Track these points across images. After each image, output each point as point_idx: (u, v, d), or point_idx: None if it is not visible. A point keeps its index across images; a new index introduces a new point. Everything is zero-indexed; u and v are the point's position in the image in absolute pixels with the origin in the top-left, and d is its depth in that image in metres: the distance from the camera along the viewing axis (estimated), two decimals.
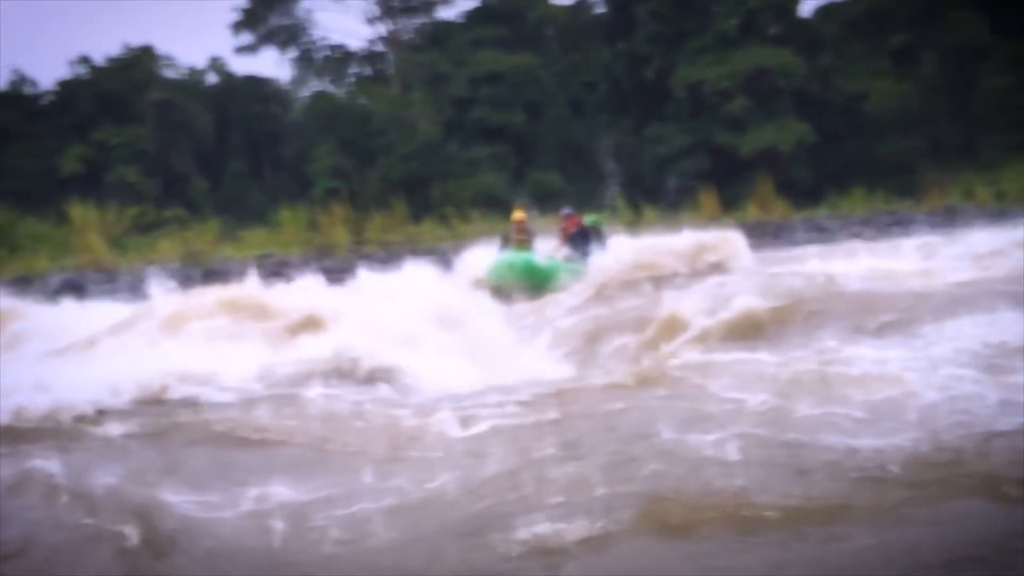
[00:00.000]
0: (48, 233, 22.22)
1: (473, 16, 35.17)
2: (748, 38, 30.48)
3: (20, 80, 33.09)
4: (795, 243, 18.08)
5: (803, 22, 32.14)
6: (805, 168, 29.03)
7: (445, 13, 36.28)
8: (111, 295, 13.39)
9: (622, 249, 11.64)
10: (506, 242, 12.64)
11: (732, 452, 3.58)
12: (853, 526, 2.89)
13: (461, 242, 21.46)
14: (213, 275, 16.87)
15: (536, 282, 10.50)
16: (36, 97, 33.34)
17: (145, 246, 21.39)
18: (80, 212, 20.55)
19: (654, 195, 27.44)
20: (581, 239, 12.35)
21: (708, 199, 23.77)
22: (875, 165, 27.83)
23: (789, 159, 28.82)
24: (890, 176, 26.17)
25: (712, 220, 21.34)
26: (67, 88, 33.17)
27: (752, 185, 25.18)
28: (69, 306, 9.12)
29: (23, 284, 14.98)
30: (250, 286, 7.12)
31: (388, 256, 19.25)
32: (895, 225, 19.74)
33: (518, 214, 12.83)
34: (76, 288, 15.11)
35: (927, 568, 2.61)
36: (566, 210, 13.37)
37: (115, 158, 30.19)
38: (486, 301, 7.62)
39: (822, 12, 33.19)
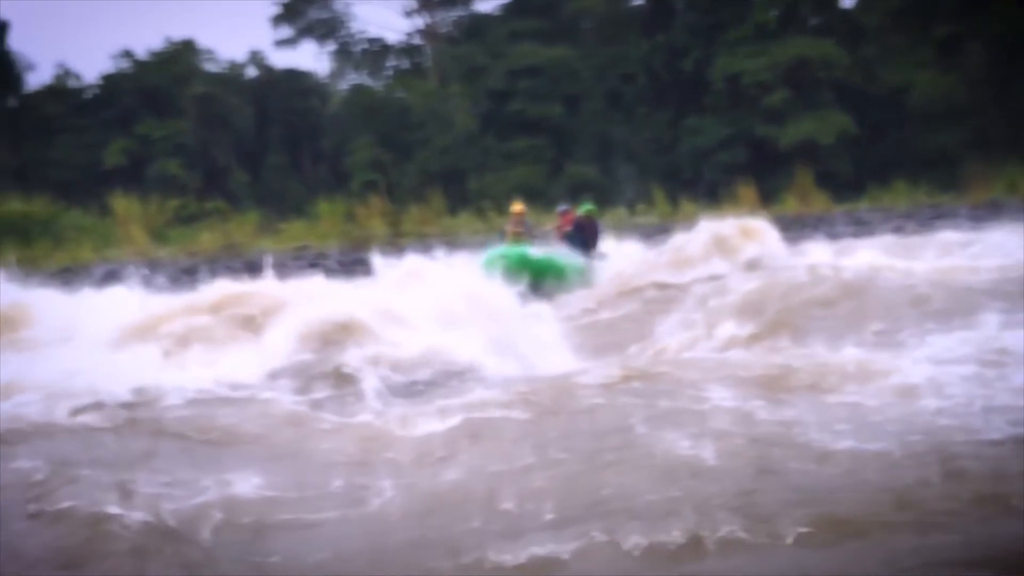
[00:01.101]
0: (92, 225, 22.57)
1: (510, 8, 35.15)
2: (788, 29, 30.16)
3: (65, 74, 33.67)
4: (835, 236, 17.86)
5: (845, 12, 31.75)
6: (846, 161, 28.70)
7: (482, 6, 36.55)
8: (153, 286, 13.56)
9: (627, 257, 11.60)
10: (503, 235, 12.65)
11: (710, 454, 3.54)
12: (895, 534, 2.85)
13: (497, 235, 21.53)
14: (253, 267, 17.07)
15: (531, 275, 10.21)
16: (80, 91, 33.89)
17: (186, 238, 21.64)
18: (123, 204, 20.86)
19: (692, 188, 27.27)
20: (576, 235, 12.28)
21: (747, 192, 23.56)
22: (918, 158, 27.41)
23: (830, 152, 28.51)
24: (933, 169, 25.76)
25: (751, 213, 21.16)
26: (110, 82, 33.68)
27: (791, 178, 24.93)
28: (86, 295, 9.13)
29: (68, 275, 15.21)
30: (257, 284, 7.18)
31: (424, 248, 19.32)
32: (938, 219, 19.43)
33: (517, 206, 12.80)
34: (119, 279, 15.33)
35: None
36: (562, 207, 13.32)
37: (157, 151, 30.61)
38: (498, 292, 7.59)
39: (864, 2, 32.71)
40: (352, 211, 22.89)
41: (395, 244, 19.47)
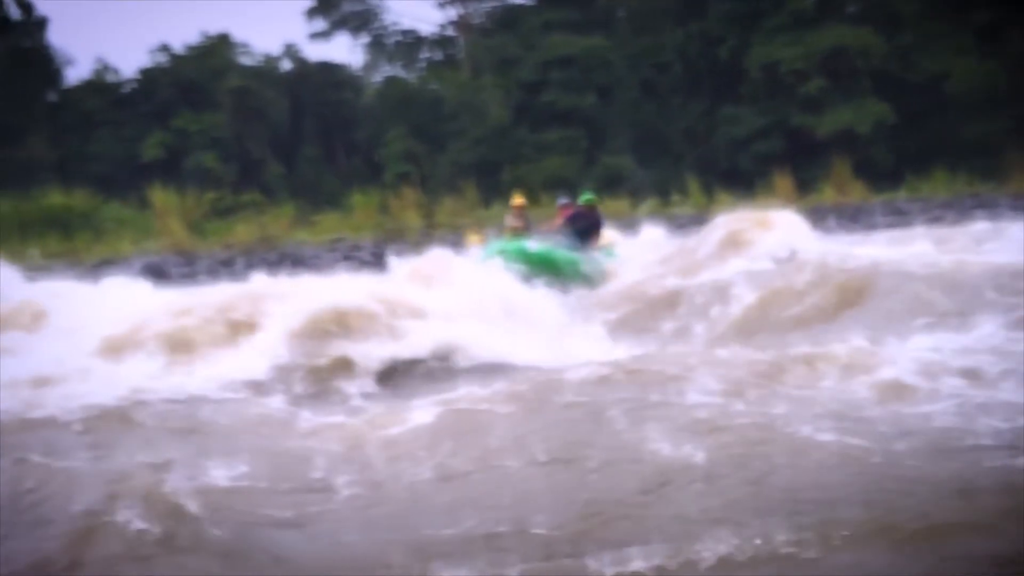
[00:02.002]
0: (131, 217, 22.88)
1: None
2: (825, 16, 29.80)
3: (103, 69, 34.05)
4: (874, 227, 17.65)
5: None
6: (884, 150, 28.33)
7: None
8: (191, 278, 13.75)
9: (638, 256, 11.42)
10: (500, 231, 12.59)
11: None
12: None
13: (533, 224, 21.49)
14: (289, 259, 17.22)
15: (530, 269, 10.10)
16: (118, 86, 34.26)
17: (223, 230, 21.85)
18: (161, 197, 21.11)
19: (728, 178, 27.06)
20: (573, 225, 11.97)
21: (783, 182, 23.35)
22: (957, 146, 26.97)
23: (867, 140, 28.16)
24: (973, 158, 25.34)
25: (787, 203, 20.97)
26: (148, 76, 34.03)
27: (829, 167, 24.66)
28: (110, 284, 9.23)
29: (107, 267, 15.43)
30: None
31: (456, 239, 19.36)
32: (978, 208, 19.14)
33: (517, 200, 12.71)
34: (157, 271, 15.55)
35: None
36: (562, 200, 13.04)
37: (194, 144, 30.91)
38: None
39: None
40: (386, 203, 22.99)
41: (429, 235, 19.53)
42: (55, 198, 22.58)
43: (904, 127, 28.37)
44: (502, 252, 10.81)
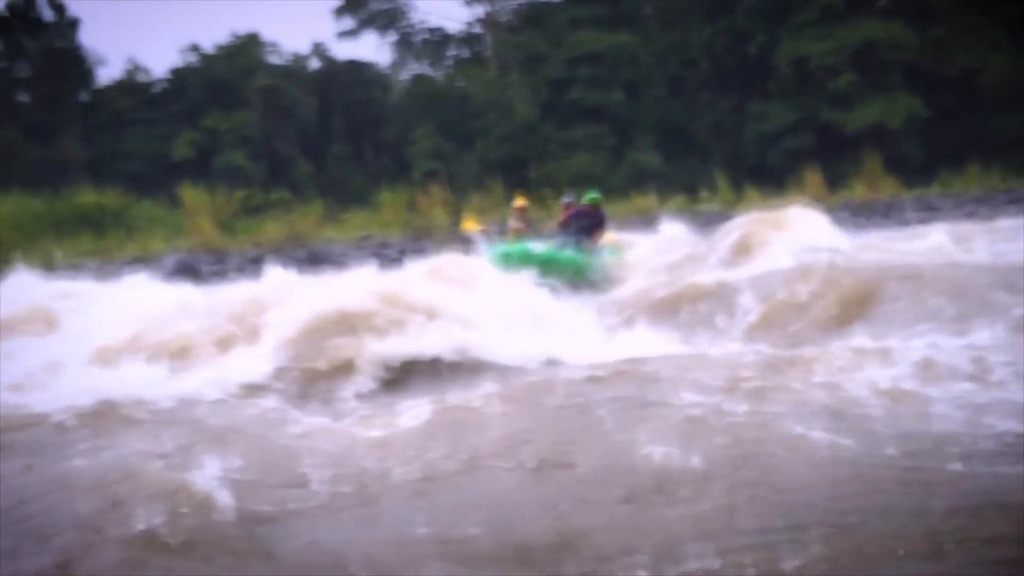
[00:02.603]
0: (162, 216, 23.10)
1: None
2: (855, 10, 29.48)
3: (134, 69, 34.40)
4: (905, 223, 17.46)
5: None
6: (916, 145, 28.00)
7: None
8: (222, 276, 13.84)
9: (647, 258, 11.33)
10: (503, 230, 12.53)
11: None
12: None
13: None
14: (317, 257, 17.32)
15: (536, 270, 10.05)
16: (149, 85, 34.60)
17: (252, 228, 22.00)
18: (191, 195, 21.30)
19: (757, 175, 26.87)
20: (573, 223, 11.88)
21: (813, 178, 23.14)
22: (991, 141, 26.59)
23: (899, 136, 27.84)
24: (1007, 153, 24.97)
25: (817, 199, 20.79)
26: (178, 76, 34.35)
27: (859, 163, 24.41)
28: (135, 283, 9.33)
29: (139, 264, 15.58)
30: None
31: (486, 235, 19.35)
32: (1012, 204, 18.88)
33: (518, 202, 12.66)
34: (189, 269, 15.69)
35: None
36: (566, 199, 12.94)
37: (223, 143, 31.14)
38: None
39: None
40: (414, 200, 23.04)
41: (456, 233, 19.56)
42: (87, 197, 22.84)
43: (936, 122, 28.02)
44: (506, 255, 10.81)
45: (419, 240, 18.49)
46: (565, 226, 12.03)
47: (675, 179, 27.53)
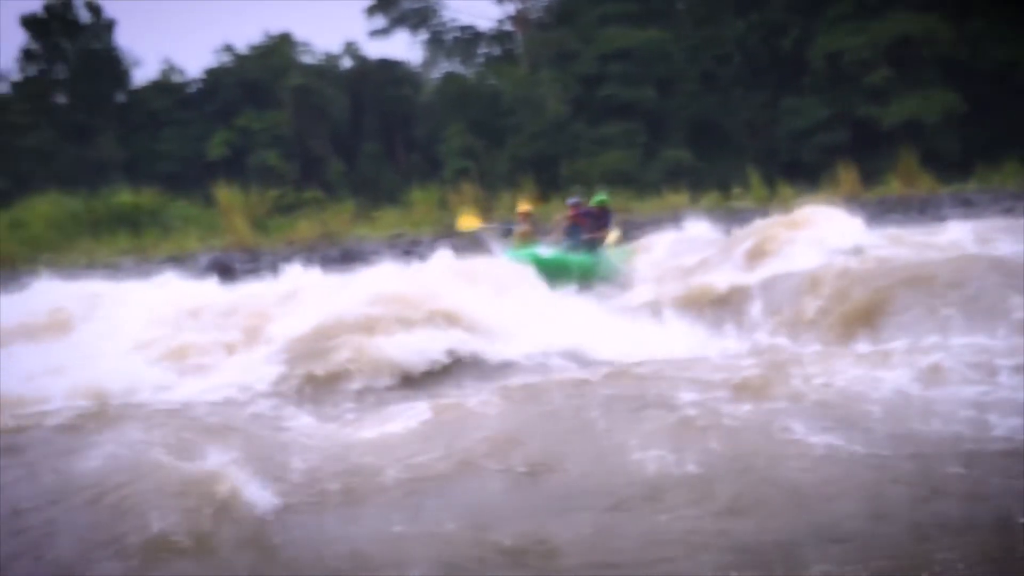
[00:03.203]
0: (197, 215, 23.35)
1: None
2: (890, 4, 29.08)
3: (169, 70, 34.78)
4: (942, 219, 17.23)
5: None
6: (953, 140, 27.60)
7: None
8: (255, 274, 13.95)
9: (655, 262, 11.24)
10: (507, 233, 12.43)
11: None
12: None
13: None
14: (349, 255, 17.42)
15: (545, 273, 9.96)
16: (184, 85, 34.96)
17: (285, 226, 22.19)
18: (226, 195, 21.51)
19: (790, 171, 26.62)
20: (579, 226, 11.79)
21: (847, 174, 22.89)
22: None
23: (935, 131, 27.47)
24: None
25: (852, 196, 20.56)
26: (212, 76, 34.68)
27: (895, 159, 24.08)
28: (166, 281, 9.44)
29: (175, 263, 15.77)
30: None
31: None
32: None
33: (524, 206, 12.60)
34: (223, 267, 15.86)
35: None
36: (572, 199, 12.80)
37: (257, 142, 31.41)
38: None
39: None
40: (445, 198, 23.10)
41: (486, 230, 19.54)
42: (124, 196, 23.15)
43: (974, 117, 27.60)
44: (515, 259, 10.75)
45: (450, 238, 18.53)
46: (567, 226, 11.97)
47: (708, 176, 27.36)
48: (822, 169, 25.07)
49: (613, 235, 12.29)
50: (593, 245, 11.62)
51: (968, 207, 19.34)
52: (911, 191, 22.20)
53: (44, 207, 21.99)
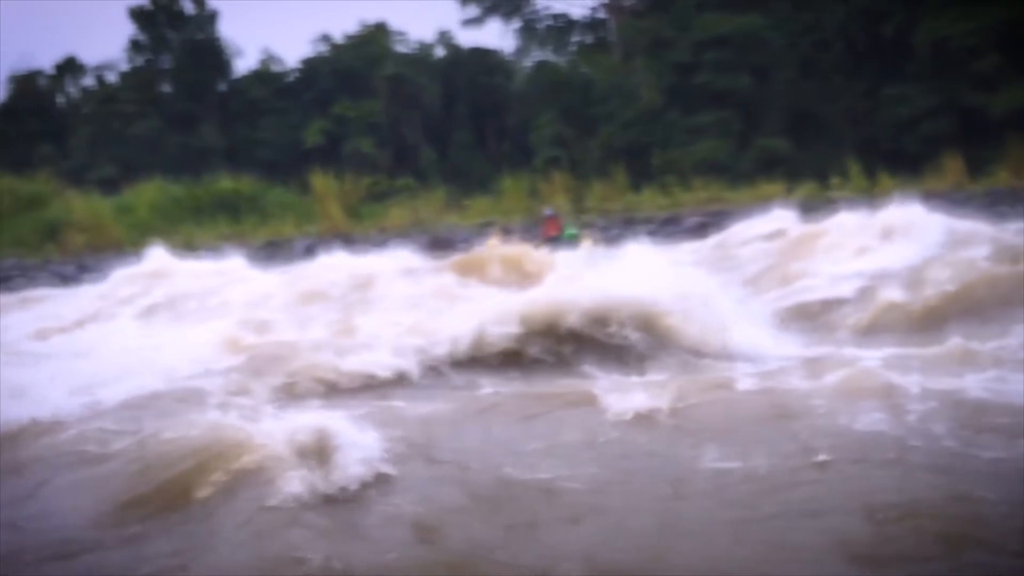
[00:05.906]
0: (293, 201, 23.95)
1: None
2: None
3: (269, 59, 35.63)
4: None
5: None
6: None
7: None
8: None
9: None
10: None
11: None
12: None
13: (680, 211, 21.14)
14: (439, 242, 17.60)
15: None
16: (283, 75, 35.77)
17: (378, 214, 22.57)
18: (321, 182, 22.01)
19: (892, 160, 25.79)
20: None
21: (952, 164, 22.08)
22: None
23: None
24: None
25: (956, 187, 19.84)
26: (309, 66, 35.38)
27: (1003, 149, 23.13)
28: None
29: (272, 248, 16.20)
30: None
31: (607, 223, 19.27)
32: None
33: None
34: (316, 253, 16.18)
35: None
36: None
37: (352, 131, 31.94)
38: None
39: None
40: (536, 187, 23.17)
41: (577, 219, 19.51)
42: (225, 183, 23.90)
43: None
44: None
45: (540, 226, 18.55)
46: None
47: (804, 165, 26.70)
48: (926, 159, 24.24)
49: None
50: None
51: None
52: (1021, 183, 21.31)
53: (150, 193, 22.82)
